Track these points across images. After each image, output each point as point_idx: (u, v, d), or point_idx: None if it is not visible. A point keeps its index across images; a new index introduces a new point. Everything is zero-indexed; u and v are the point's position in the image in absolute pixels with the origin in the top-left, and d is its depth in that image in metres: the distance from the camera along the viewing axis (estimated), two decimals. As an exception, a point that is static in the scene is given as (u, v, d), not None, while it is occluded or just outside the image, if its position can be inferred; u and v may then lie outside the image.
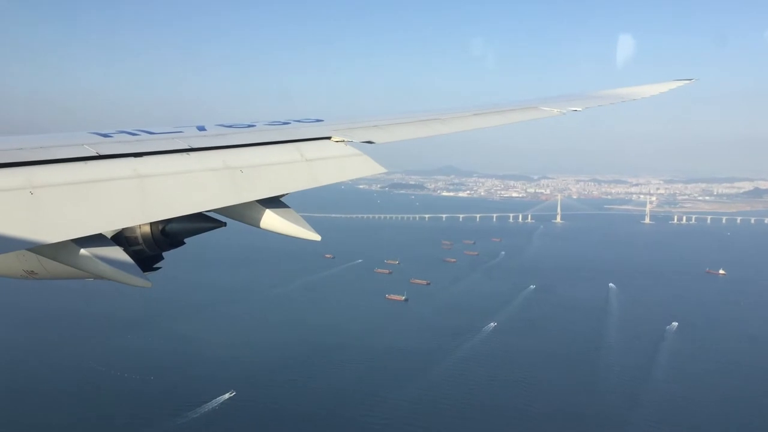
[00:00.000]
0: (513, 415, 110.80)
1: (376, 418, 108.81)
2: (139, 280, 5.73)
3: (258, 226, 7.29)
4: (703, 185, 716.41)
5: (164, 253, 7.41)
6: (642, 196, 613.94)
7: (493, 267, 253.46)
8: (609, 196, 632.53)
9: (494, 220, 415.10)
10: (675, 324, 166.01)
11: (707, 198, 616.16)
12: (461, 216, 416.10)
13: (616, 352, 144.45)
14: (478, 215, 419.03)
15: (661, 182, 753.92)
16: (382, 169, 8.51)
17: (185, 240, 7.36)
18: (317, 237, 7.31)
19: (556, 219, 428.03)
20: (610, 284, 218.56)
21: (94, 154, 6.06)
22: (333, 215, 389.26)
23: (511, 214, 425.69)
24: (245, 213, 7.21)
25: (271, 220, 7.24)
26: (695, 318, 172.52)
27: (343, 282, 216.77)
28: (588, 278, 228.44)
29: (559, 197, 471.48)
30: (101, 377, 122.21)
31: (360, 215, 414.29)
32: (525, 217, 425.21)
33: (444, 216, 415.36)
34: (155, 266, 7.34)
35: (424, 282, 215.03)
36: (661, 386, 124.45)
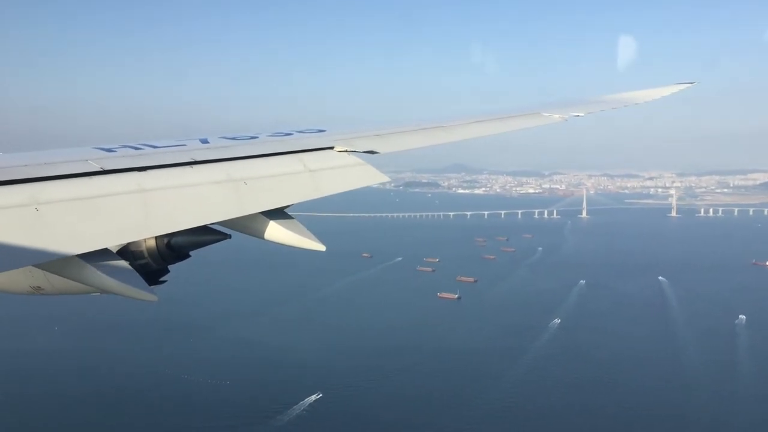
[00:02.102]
0: (610, 418, 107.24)
1: (466, 423, 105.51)
2: (145, 293, 5.74)
3: (262, 238, 7.17)
4: (718, 178, 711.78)
5: (170, 267, 7.25)
6: (660, 189, 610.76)
7: (535, 263, 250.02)
8: (626, 191, 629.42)
9: (519, 216, 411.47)
10: (743, 317, 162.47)
11: (725, 190, 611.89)
12: (486, 213, 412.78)
13: (694, 349, 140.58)
14: (502, 212, 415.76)
15: (674, 176, 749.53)
16: (385, 178, 8.49)
17: (190, 253, 7.24)
18: (322, 247, 7.13)
19: (582, 214, 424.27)
20: (660, 278, 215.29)
21: (98, 169, 6.09)
22: (354, 214, 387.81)
23: (536, 210, 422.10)
24: (249, 224, 7.12)
25: (275, 231, 7.14)
26: (761, 312, 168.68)
27: (389, 281, 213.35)
28: (634, 273, 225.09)
29: (584, 192, 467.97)
30: (180, 383, 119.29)
31: (382, 214, 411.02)
32: (550, 213, 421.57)
33: (468, 213, 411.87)
34: (161, 279, 7.21)
35: (471, 280, 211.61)
36: (753, 383, 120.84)
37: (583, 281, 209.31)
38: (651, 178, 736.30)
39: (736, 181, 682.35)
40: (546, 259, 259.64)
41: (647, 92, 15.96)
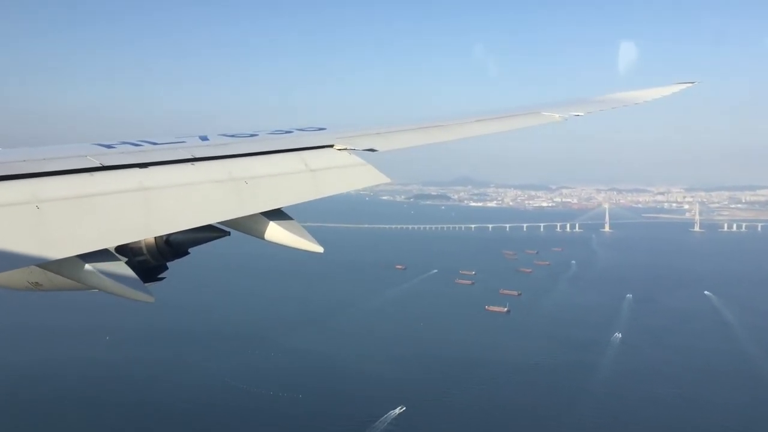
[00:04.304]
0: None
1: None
2: (141, 294, 5.75)
3: (262, 238, 7.14)
4: (728, 194, 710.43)
5: (169, 264, 7.20)
6: (674, 204, 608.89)
7: (573, 277, 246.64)
8: (639, 205, 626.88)
9: (542, 229, 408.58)
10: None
11: (739, 205, 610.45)
12: (507, 226, 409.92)
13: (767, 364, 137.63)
14: (524, 225, 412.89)
15: (683, 191, 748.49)
16: (386, 179, 8.32)
17: (189, 250, 7.22)
18: (320, 249, 7.09)
19: (604, 228, 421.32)
20: (706, 292, 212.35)
21: (97, 165, 6.06)
22: (373, 226, 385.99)
23: (558, 224, 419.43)
24: (249, 224, 7.06)
25: (274, 231, 7.09)
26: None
27: (432, 293, 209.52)
28: (677, 287, 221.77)
29: (606, 206, 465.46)
30: (250, 396, 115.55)
31: (401, 226, 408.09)
32: (572, 226, 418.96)
33: (490, 226, 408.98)
34: (159, 276, 7.16)
35: (515, 293, 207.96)
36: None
37: (630, 295, 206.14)
38: (661, 193, 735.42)
39: (747, 196, 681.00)
40: (583, 272, 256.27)
41: (647, 92, 15.67)
